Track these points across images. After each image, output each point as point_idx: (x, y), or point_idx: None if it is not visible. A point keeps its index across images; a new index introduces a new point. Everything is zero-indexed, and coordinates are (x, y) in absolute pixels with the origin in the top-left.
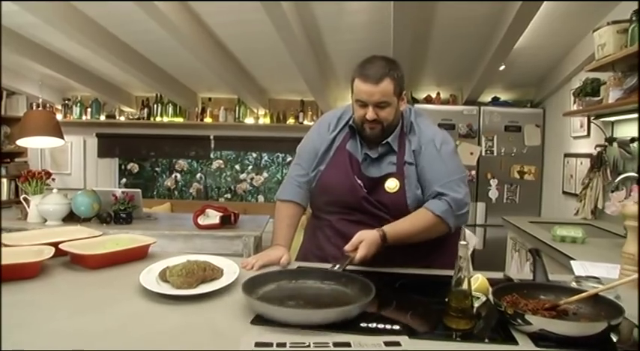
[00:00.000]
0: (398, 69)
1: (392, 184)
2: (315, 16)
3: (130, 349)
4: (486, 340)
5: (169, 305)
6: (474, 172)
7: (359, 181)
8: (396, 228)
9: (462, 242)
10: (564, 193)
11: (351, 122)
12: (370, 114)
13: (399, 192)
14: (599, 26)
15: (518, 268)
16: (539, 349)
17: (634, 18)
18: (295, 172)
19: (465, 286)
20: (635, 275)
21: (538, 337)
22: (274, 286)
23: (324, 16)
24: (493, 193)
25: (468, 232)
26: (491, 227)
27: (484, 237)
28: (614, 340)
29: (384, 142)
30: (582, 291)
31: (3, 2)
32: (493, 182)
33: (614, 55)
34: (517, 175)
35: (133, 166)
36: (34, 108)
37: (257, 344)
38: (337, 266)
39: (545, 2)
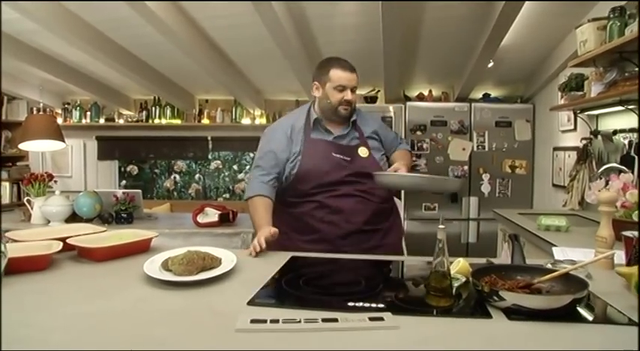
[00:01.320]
0: None
1: (363, 151)
2: (307, 17)
3: (139, 327)
4: (462, 315)
5: (172, 291)
6: (466, 168)
7: (338, 155)
8: (405, 162)
9: (440, 226)
10: (554, 185)
11: (316, 116)
12: (349, 96)
13: (370, 157)
14: (581, 23)
15: (507, 257)
16: (511, 321)
17: (611, 15)
18: (257, 173)
19: (444, 267)
20: (601, 256)
21: (511, 312)
22: None
23: (316, 17)
24: (485, 188)
25: (397, 200)
26: (484, 221)
27: (477, 230)
28: (590, 318)
29: (352, 121)
30: (556, 271)
31: (3, 7)
32: (485, 177)
33: (595, 50)
34: (508, 170)
35: (133, 168)
36: (35, 112)
37: (253, 321)
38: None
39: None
